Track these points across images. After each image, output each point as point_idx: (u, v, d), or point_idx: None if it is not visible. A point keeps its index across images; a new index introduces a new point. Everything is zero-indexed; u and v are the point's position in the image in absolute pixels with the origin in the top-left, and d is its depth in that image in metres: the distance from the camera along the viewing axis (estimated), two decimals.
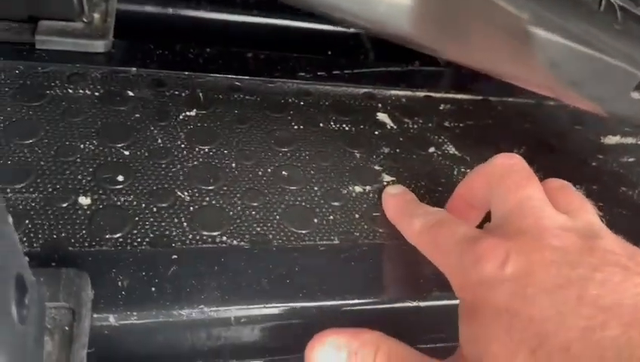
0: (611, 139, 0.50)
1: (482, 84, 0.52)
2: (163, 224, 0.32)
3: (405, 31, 0.31)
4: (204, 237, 0.32)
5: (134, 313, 0.27)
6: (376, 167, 0.40)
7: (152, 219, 0.32)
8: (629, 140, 0.50)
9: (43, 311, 0.24)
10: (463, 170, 0.42)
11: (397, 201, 0.36)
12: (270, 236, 0.33)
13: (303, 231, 0.34)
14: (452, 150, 0.43)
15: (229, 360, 0.31)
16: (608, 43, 0.29)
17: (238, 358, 0.31)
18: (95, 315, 0.26)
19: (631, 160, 0.48)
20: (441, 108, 0.47)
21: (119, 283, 0.28)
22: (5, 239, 0.20)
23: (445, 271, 0.30)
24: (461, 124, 0.46)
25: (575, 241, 0.27)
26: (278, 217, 0.34)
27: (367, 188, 0.38)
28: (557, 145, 0.47)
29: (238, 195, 0.35)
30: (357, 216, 0.36)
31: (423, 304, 0.32)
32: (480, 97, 0.50)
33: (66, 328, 0.25)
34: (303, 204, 0.36)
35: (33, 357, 0.22)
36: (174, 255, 0.30)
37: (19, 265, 0.21)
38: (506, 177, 0.31)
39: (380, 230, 0.35)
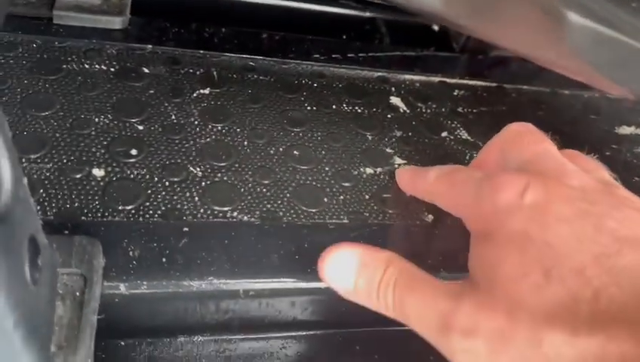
0: (626, 130, 0.50)
1: (497, 71, 0.51)
2: (175, 198, 0.32)
3: (441, 9, 0.31)
4: (215, 212, 0.32)
5: (145, 282, 0.27)
6: (388, 150, 0.40)
7: (164, 193, 0.32)
8: None
9: (55, 275, 0.24)
10: (475, 155, 0.42)
11: (410, 172, 0.36)
12: (280, 213, 0.33)
13: (313, 210, 0.34)
14: (465, 135, 0.43)
15: (237, 333, 0.31)
16: (626, 21, 0.28)
17: (246, 332, 0.32)
18: (106, 283, 0.27)
19: None
20: (455, 93, 0.47)
21: (131, 253, 0.28)
22: (21, 201, 0.21)
23: (460, 211, 0.30)
24: (475, 110, 0.46)
25: (595, 185, 0.27)
26: (288, 195, 0.34)
27: (378, 170, 0.38)
28: (570, 134, 0.47)
29: (249, 173, 0.35)
30: (367, 196, 0.36)
31: None
32: (494, 84, 0.49)
33: (77, 294, 0.25)
34: (314, 183, 0.36)
35: (44, 318, 0.22)
36: (185, 228, 0.30)
37: (33, 228, 0.22)
38: (522, 137, 0.31)
39: (390, 211, 0.35)
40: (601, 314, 0.22)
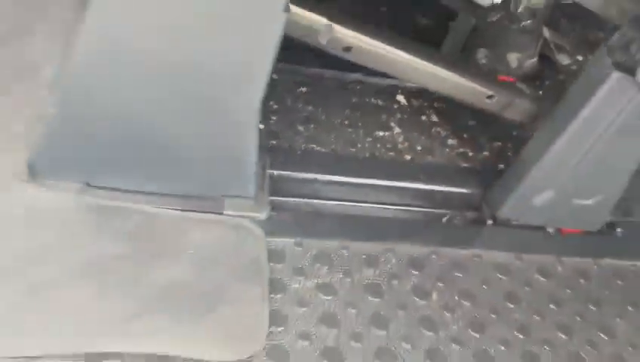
0: None
1: None
2: (294, 139, 0.73)
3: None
4: (316, 146, 0.73)
5: (284, 172, 0.68)
6: (392, 124, 0.80)
7: (287, 138, 0.73)
8: None
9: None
10: (438, 129, 0.81)
11: None
12: (353, 149, 0.74)
13: (353, 150, 0.74)
14: (435, 118, 0.83)
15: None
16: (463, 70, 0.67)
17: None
18: (268, 170, 0.68)
19: None
20: (434, 95, 0.86)
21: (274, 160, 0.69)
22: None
23: None
24: (444, 105, 0.85)
25: None
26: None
27: (386, 133, 0.78)
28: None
29: (339, 119, 0.76)
30: (378, 145, 0.76)
31: None
32: None
33: (265, 173, 0.66)
34: (354, 136, 0.76)
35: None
36: (298, 151, 0.71)
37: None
38: None
39: (390, 153, 0.75)
40: None
